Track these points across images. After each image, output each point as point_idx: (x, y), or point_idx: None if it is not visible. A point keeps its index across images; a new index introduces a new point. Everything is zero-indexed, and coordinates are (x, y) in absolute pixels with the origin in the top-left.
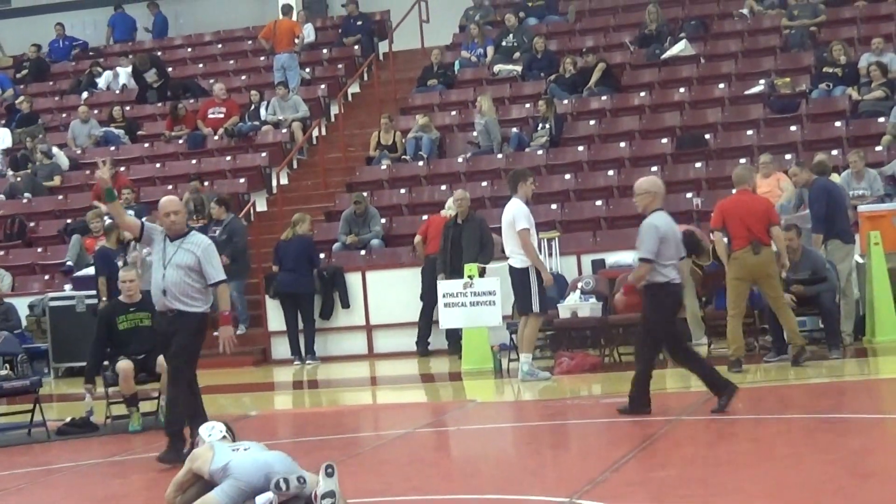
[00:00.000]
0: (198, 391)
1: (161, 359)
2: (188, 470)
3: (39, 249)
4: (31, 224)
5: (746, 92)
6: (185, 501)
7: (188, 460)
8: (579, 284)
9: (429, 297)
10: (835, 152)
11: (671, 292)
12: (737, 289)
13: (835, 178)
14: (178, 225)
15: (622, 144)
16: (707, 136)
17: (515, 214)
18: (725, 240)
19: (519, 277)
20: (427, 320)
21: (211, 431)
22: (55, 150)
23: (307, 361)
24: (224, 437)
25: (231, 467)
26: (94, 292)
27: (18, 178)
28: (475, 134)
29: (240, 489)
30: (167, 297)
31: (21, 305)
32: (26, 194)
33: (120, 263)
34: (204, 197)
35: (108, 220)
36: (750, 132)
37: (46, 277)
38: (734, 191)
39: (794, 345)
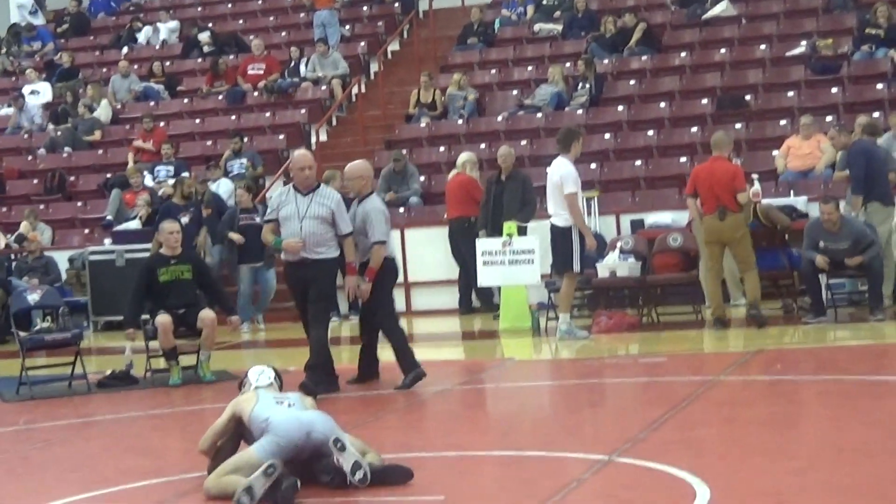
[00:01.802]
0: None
1: (203, 313)
2: (230, 416)
3: (79, 203)
4: (72, 178)
5: (788, 53)
6: (219, 452)
7: (230, 406)
8: (618, 244)
9: (459, 259)
10: (876, 114)
11: (391, 268)
12: (709, 250)
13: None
14: (310, 179)
15: (662, 105)
16: (748, 98)
17: (563, 176)
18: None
19: (561, 236)
20: (465, 280)
21: (259, 376)
22: (102, 101)
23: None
24: (271, 384)
25: (272, 423)
26: (133, 246)
27: (59, 133)
28: (530, 100)
29: (279, 446)
30: (305, 247)
31: (61, 259)
32: (66, 148)
33: (184, 220)
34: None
35: (171, 178)
36: (791, 94)
37: (86, 231)
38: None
39: (751, 308)
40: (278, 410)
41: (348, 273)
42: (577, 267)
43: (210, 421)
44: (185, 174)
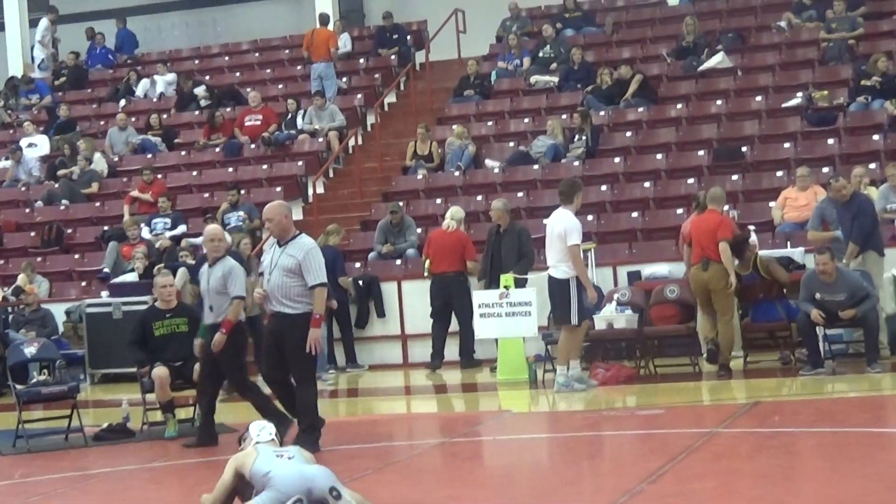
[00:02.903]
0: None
1: (198, 366)
2: (233, 472)
3: (76, 256)
4: (69, 230)
5: (784, 104)
6: None
7: (231, 462)
8: (615, 296)
9: (439, 315)
10: (872, 166)
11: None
12: (699, 300)
13: (872, 191)
14: (274, 231)
15: (658, 156)
16: (744, 149)
17: (567, 228)
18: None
19: (559, 288)
20: (440, 335)
21: (260, 431)
22: (97, 154)
23: (348, 370)
24: (272, 439)
25: (273, 477)
26: (130, 298)
27: (56, 185)
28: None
29: (279, 501)
30: (271, 300)
31: (58, 312)
32: (64, 201)
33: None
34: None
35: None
36: (787, 145)
37: (83, 284)
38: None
39: (724, 358)
40: (279, 464)
41: (312, 325)
42: (574, 320)
43: (206, 473)
44: (183, 226)
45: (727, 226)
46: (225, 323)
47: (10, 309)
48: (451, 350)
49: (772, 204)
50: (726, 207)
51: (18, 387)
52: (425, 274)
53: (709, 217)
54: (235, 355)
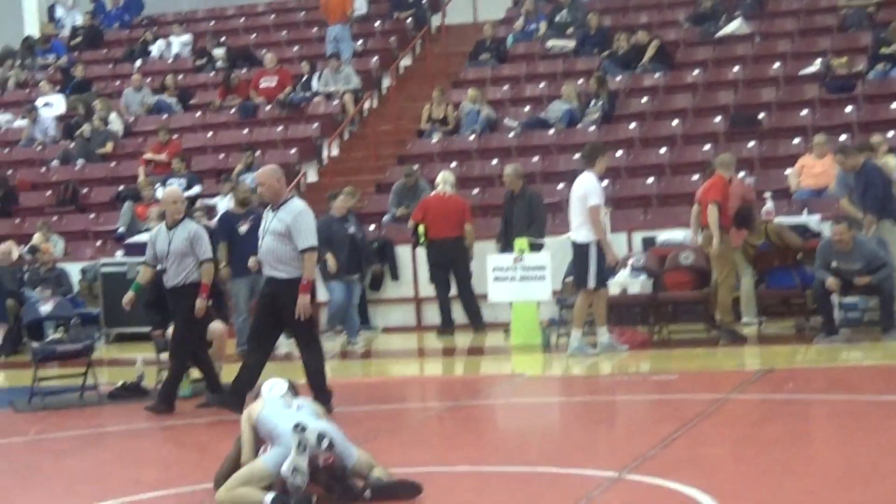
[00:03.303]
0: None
1: (213, 325)
2: (249, 425)
3: (92, 215)
4: (84, 190)
5: (802, 72)
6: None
7: (244, 417)
8: (630, 261)
9: (440, 281)
10: (891, 134)
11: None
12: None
13: (890, 159)
14: (267, 195)
15: (675, 122)
16: (761, 116)
17: (588, 189)
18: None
19: (579, 252)
20: (445, 300)
21: (272, 388)
22: (112, 115)
23: (362, 332)
24: (285, 394)
25: (280, 433)
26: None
27: (72, 145)
28: (546, 115)
29: (285, 456)
30: (265, 266)
31: (73, 271)
32: (79, 161)
33: (243, 229)
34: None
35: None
36: (804, 112)
37: (98, 243)
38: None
39: (724, 324)
40: (285, 416)
41: (300, 291)
42: (591, 283)
43: (221, 431)
44: (198, 186)
45: (718, 188)
46: (203, 287)
47: (25, 268)
48: (460, 313)
49: (788, 171)
50: (742, 174)
51: (34, 344)
52: (420, 241)
53: (711, 181)
54: (191, 318)
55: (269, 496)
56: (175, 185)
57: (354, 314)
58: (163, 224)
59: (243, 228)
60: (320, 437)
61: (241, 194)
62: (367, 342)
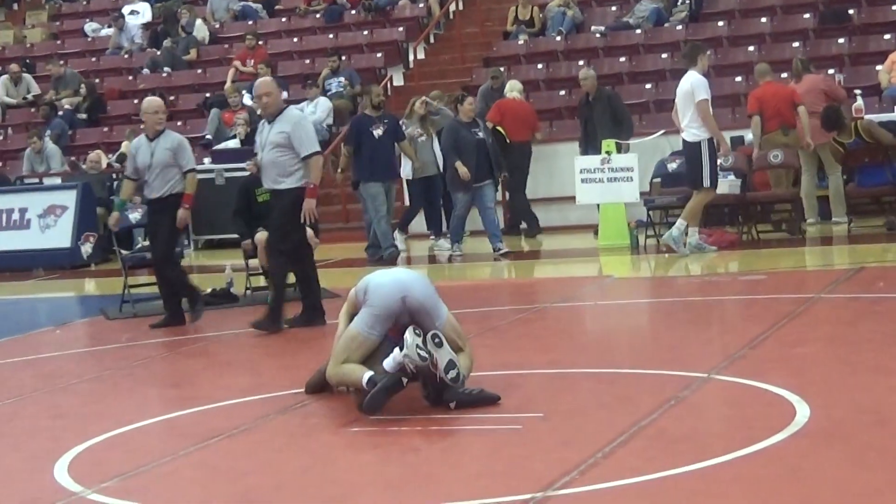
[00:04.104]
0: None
1: (258, 236)
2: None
3: (179, 123)
4: (171, 98)
5: None
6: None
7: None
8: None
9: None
10: None
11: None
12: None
13: None
14: (270, 107)
15: (763, 20)
16: (851, 11)
17: (694, 85)
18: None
19: (691, 151)
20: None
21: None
22: (198, 21)
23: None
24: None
25: (370, 287)
26: (232, 165)
27: (158, 52)
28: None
29: (376, 316)
30: (266, 179)
31: None
32: (166, 68)
33: (377, 132)
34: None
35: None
36: (895, 7)
37: None
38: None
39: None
40: (377, 273)
41: (307, 195)
42: (707, 182)
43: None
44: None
45: (797, 93)
46: (186, 198)
47: (114, 175)
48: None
49: (879, 67)
50: (831, 71)
51: (124, 252)
52: (507, 141)
53: (777, 87)
54: (174, 228)
55: (367, 375)
56: (154, 98)
57: (461, 223)
58: (143, 136)
59: (378, 132)
60: (450, 364)
61: (375, 98)
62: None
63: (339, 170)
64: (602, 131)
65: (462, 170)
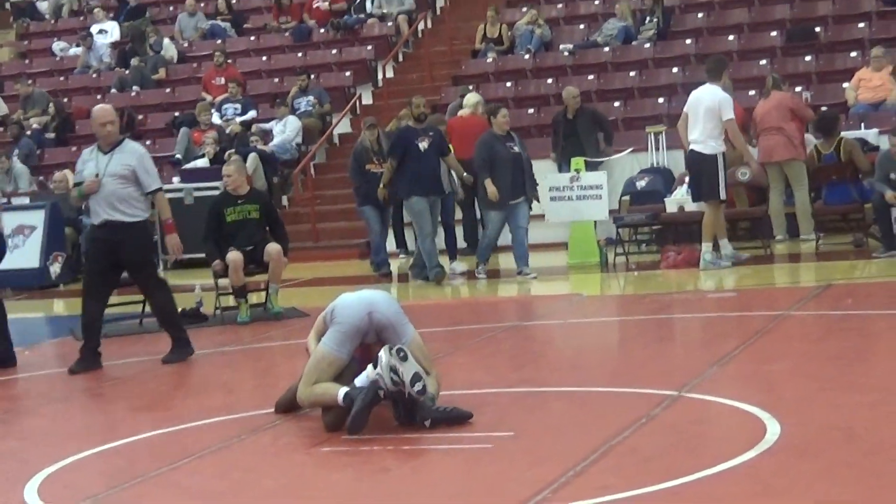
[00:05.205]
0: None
1: (269, 247)
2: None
3: (148, 142)
4: (140, 117)
5: None
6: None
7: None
8: (686, 179)
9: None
10: None
11: None
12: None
13: None
14: (112, 136)
15: (731, 37)
16: (817, 29)
17: (721, 102)
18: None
19: (707, 163)
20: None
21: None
22: (165, 40)
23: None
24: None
25: (336, 311)
26: (201, 184)
27: (127, 72)
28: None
29: (343, 333)
30: (100, 207)
31: None
32: (135, 87)
33: (422, 145)
34: None
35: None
36: (861, 25)
37: None
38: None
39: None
40: (343, 294)
41: (166, 231)
42: (723, 195)
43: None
44: (253, 111)
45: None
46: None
47: None
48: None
49: (846, 85)
50: (798, 88)
51: None
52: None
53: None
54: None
55: (342, 391)
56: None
57: (492, 244)
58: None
59: (423, 145)
60: (416, 377)
61: (417, 110)
62: (403, 266)
63: (381, 185)
64: (588, 147)
65: (490, 188)
